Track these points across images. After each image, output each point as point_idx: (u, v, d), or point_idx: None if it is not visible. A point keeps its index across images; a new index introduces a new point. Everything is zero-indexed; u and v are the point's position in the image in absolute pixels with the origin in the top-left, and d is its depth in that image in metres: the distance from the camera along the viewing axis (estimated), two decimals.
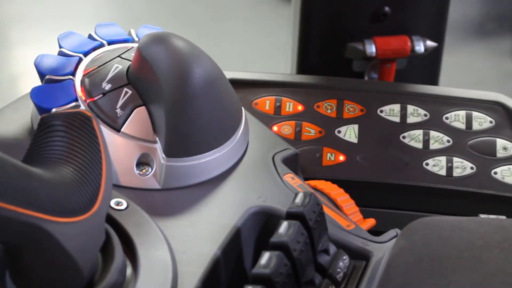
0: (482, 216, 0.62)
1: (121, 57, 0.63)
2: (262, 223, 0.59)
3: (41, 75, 0.62)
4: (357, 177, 0.72)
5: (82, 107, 0.61)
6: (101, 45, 0.65)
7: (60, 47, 0.64)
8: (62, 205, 0.47)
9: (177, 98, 0.59)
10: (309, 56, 0.88)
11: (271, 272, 0.50)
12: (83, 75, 0.62)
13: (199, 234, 0.57)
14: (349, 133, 0.74)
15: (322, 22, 0.87)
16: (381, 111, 0.75)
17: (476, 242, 0.53)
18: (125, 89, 0.61)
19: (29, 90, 0.62)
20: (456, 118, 0.74)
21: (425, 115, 0.75)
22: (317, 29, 0.87)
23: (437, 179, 0.71)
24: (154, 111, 0.60)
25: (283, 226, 0.53)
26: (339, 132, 0.74)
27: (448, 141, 0.73)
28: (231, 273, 0.57)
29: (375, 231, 0.62)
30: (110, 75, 0.62)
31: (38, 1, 2.23)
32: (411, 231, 0.56)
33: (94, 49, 0.65)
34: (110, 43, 0.65)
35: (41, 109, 0.61)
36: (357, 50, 0.84)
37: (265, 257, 0.51)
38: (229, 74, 0.74)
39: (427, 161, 0.72)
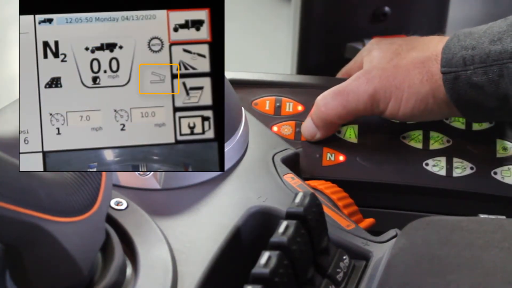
0: (482, 216, 0.62)
1: None
2: (262, 223, 0.59)
3: None
4: (357, 177, 0.71)
5: None
6: None
7: None
8: (62, 205, 0.47)
9: None
10: (309, 56, 0.88)
11: (270, 272, 0.50)
12: None
13: (199, 234, 0.57)
14: (349, 133, 0.74)
15: (322, 22, 0.87)
16: None
17: (475, 241, 0.53)
18: None
19: None
20: (456, 118, 0.74)
21: None
22: (317, 29, 0.87)
23: (437, 179, 0.71)
24: None
25: (283, 226, 0.53)
26: (339, 132, 0.74)
27: (448, 141, 0.73)
28: (231, 273, 0.57)
29: (375, 231, 0.62)
30: None
31: None
32: (411, 231, 0.56)
33: None
34: None
35: None
36: (357, 50, 0.83)
37: (264, 256, 0.51)
38: (229, 74, 0.74)
39: (427, 161, 0.72)
